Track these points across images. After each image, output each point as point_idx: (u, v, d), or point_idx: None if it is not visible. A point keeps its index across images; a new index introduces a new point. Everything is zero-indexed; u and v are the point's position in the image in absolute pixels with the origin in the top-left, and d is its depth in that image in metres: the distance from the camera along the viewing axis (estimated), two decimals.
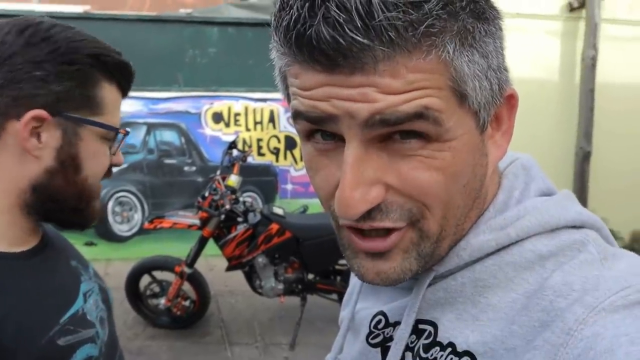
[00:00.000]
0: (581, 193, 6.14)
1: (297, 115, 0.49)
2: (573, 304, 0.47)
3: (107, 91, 0.87)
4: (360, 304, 0.69)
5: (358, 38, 0.42)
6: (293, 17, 0.44)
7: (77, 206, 0.88)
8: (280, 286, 3.78)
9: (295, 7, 0.43)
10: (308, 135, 0.51)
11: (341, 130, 0.47)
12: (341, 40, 0.42)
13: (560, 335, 0.46)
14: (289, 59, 0.48)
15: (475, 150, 0.50)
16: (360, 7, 0.41)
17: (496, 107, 0.51)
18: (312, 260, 3.76)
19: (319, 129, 0.49)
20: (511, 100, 0.54)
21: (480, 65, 0.47)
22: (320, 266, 3.83)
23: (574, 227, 0.54)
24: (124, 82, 0.90)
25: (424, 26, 0.43)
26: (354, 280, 0.74)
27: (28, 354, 0.78)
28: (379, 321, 0.63)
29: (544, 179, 0.59)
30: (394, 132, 0.46)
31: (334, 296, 3.94)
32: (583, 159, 6.15)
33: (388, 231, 0.50)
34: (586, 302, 0.46)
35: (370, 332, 0.64)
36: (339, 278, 3.90)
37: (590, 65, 5.98)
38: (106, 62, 0.85)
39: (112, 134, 0.89)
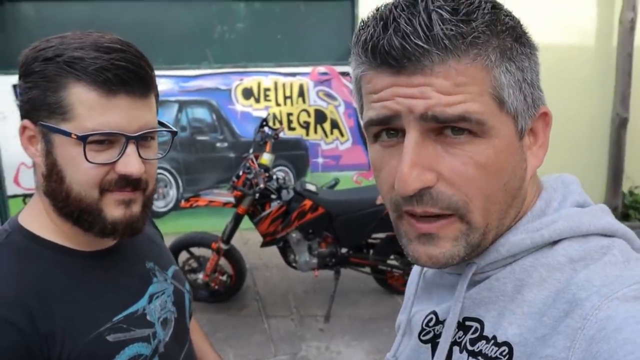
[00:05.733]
0: (617, 160, 6.00)
1: (369, 123, 0.60)
2: (591, 295, 0.55)
3: (77, 94, 0.81)
4: (415, 308, 0.78)
5: (420, 44, 0.54)
6: (370, 33, 0.57)
7: (72, 214, 0.86)
8: (314, 260, 3.86)
9: (371, 26, 0.57)
10: (376, 137, 0.62)
11: (403, 123, 0.57)
12: (407, 47, 0.54)
13: (579, 321, 0.53)
14: (364, 67, 0.60)
15: (515, 153, 0.60)
16: (422, 22, 0.54)
17: (532, 119, 0.61)
18: (345, 235, 3.82)
19: (384, 128, 0.60)
20: (545, 117, 0.63)
21: (516, 76, 0.58)
22: (353, 240, 3.89)
23: (604, 235, 0.61)
24: (103, 79, 0.80)
25: (470, 37, 0.54)
26: (411, 289, 0.81)
27: (74, 344, 0.83)
28: (430, 319, 0.72)
29: (581, 194, 0.67)
30: (445, 128, 0.56)
31: (367, 269, 4.02)
32: (619, 125, 5.99)
33: (438, 218, 0.59)
34: (602, 292, 0.54)
35: (422, 330, 0.72)
36: (371, 252, 3.97)
37: (628, 28, 5.77)
38: (71, 64, 0.80)
39: (89, 139, 0.81)
